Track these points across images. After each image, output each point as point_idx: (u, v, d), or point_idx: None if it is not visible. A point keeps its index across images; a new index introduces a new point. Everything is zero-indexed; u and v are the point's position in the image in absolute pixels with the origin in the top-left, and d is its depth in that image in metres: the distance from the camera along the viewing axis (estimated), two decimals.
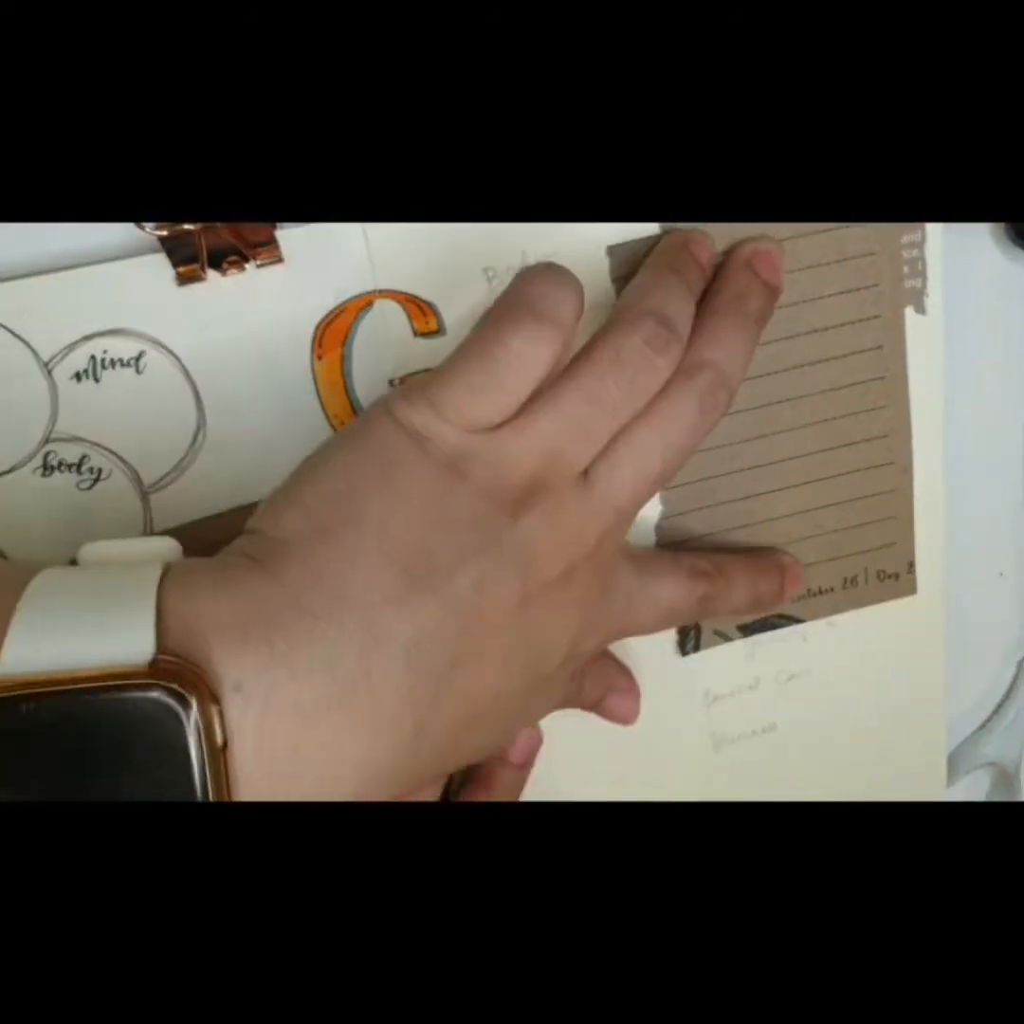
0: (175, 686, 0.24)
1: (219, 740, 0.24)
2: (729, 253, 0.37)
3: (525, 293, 0.31)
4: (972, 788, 0.45)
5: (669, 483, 0.35)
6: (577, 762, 0.42)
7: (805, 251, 0.38)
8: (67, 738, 0.23)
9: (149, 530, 0.38)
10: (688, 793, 0.42)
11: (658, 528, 0.40)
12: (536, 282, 0.31)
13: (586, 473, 0.31)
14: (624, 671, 0.40)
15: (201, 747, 0.24)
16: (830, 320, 0.39)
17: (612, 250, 0.37)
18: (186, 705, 0.24)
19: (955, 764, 0.44)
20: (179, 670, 0.24)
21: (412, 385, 0.31)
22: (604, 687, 0.39)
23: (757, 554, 0.40)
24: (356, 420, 0.32)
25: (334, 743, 0.26)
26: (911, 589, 0.42)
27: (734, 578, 0.38)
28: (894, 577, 0.41)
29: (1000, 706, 0.44)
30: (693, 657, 0.41)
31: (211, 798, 0.24)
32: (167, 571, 0.27)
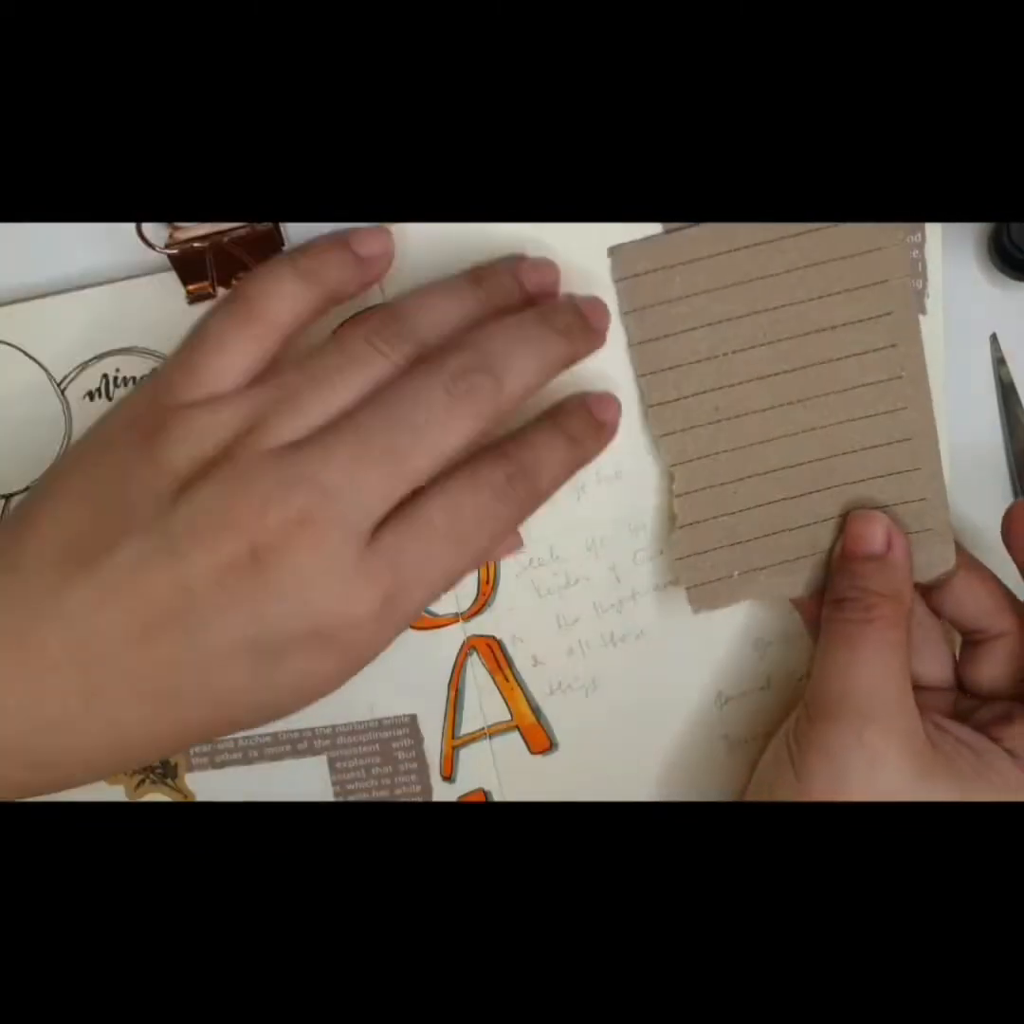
0: None
1: None
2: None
3: (242, 288, 0.32)
4: None
5: (416, 470, 0.31)
6: (590, 766, 0.42)
7: (813, 249, 0.38)
8: None
9: None
10: (702, 795, 0.42)
11: (672, 541, 0.40)
12: (256, 281, 0.32)
13: (294, 446, 0.30)
14: None
15: None
16: (838, 319, 0.38)
17: (613, 251, 0.38)
18: None
19: None
20: None
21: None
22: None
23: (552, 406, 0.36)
24: None
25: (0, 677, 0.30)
26: None
27: (533, 436, 0.34)
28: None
29: None
30: (704, 659, 0.41)
31: None
32: None
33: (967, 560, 0.39)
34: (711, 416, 0.39)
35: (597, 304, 0.36)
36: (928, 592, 0.39)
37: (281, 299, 0.32)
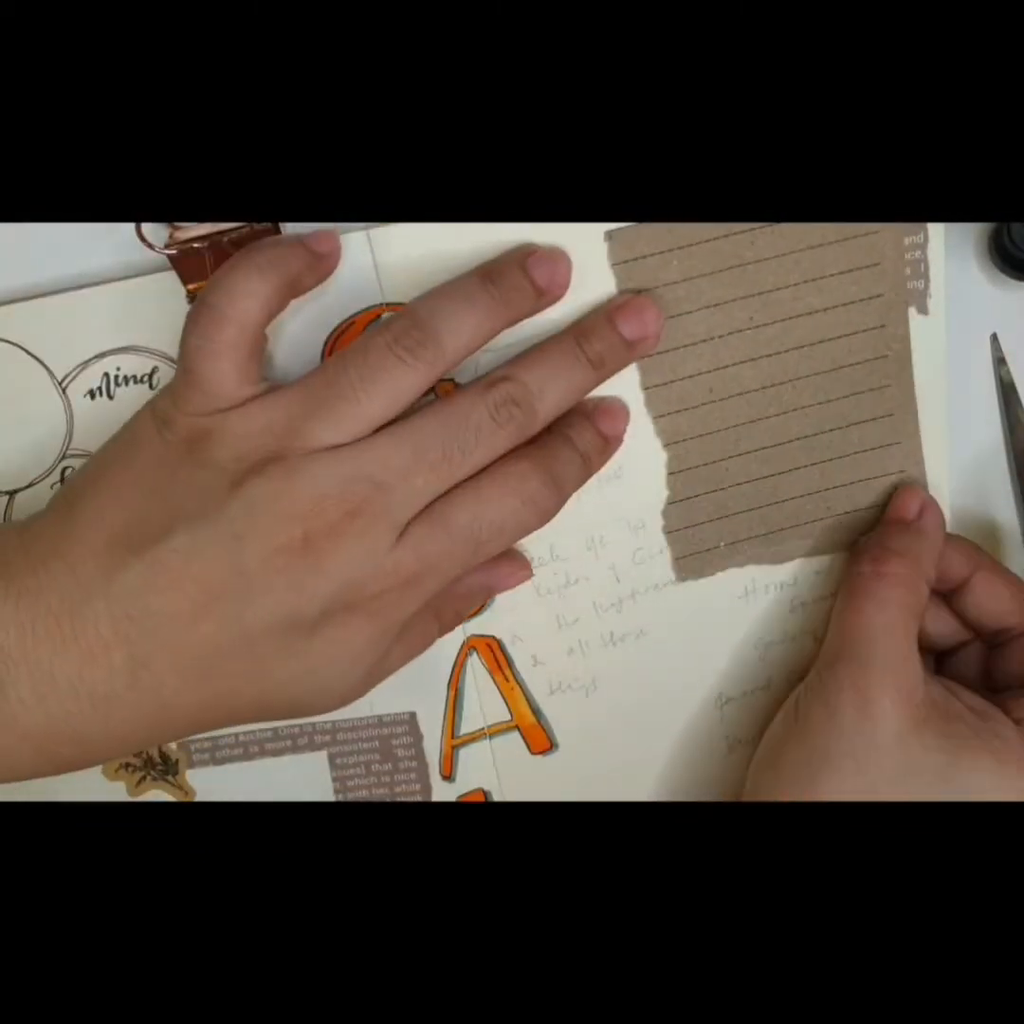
0: None
1: None
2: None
3: (207, 297, 0.34)
4: None
5: (455, 475, 0.34)
6: (589, 767, 0.42)
7: (807, 232, 0.38)
8: None
9: None
10: (704, 795, 0.42)
11: (664, 513, 0.40)
12: (220, 286, 0.34)
13: (352, 445, 0.33)
14: (494, 567, 0.39)
15: None
16: (831, 301, 0.39)
17: (611, 235, 0.38)
18: None
19: None
20: None
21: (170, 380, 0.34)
22: (476, 594, 0.40)
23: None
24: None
25: (47, 658, 0.32)
26: None
27: (554, 451, 0.36)
28: None
29: None
30: (704, 659, 0.41)
31: None
32: None
33: (987, 562, 0.40)
34: (705, 397, 0.39)
35: (640, 319, 0.37)
36: (950, 597, 0.40)
37: (244, 296, 0.33)
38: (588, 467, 0.37)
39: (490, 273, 0.36)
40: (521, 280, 0.36)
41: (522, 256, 0.36)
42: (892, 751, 0.35)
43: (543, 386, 0.35)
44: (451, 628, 0.39)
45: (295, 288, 0.35)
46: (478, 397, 0.34)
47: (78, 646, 0.32)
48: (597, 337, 0.37)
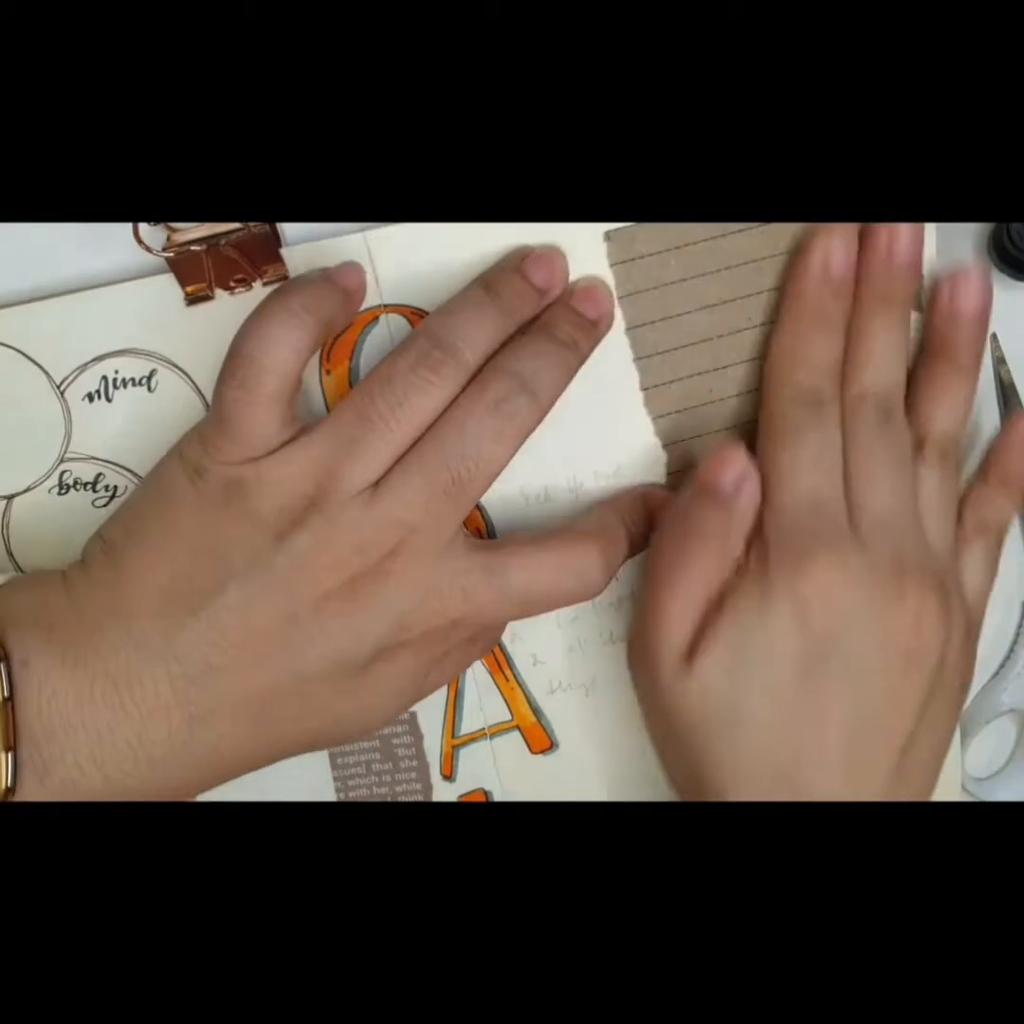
0: None
1: (3, 693, 0.31)
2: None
3: (241, 346, 0.34)
4: (998, 741, 0.45)
5: (476, 490, 0.35)
6: (589, 767, 0.42)
7: (804, 231, 0.38)
8: None
9: None
10: None
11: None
12: (254, 335, 0.33)
13: (377, 487, 0.33)
14: None
15: None
16: None
17: (610, 235, 0.38)
18: None
19: (974, 717, 0.43)
20: None
21: (197, 426, 0.34)
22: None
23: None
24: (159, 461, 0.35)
25: (105, 723, 0.32)
26: None
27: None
28: None
29: (1011, 652, 0.43)
30: None
31: None
32: (9, 579, 0.35)
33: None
34: (705, 398, 0.39)
35: (592, 292, 0.38)
36: None
37: (281, 346, 0.33)
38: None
39: (491, 282, 0.36)
40: (522, 284, 0.36)
41: (518, 260, 0.37)
42: None
43: (537, 370, 0.35)
44: (487, 653, 0.40)
45: (330, 329, 0.35)
46: (476, 401, 0.34)
47: (137, 709, 0.32)
48: (561, 318, 0.37)
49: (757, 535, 0.36)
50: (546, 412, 0.35)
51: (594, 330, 0.37)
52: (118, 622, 0.32)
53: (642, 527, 0.38)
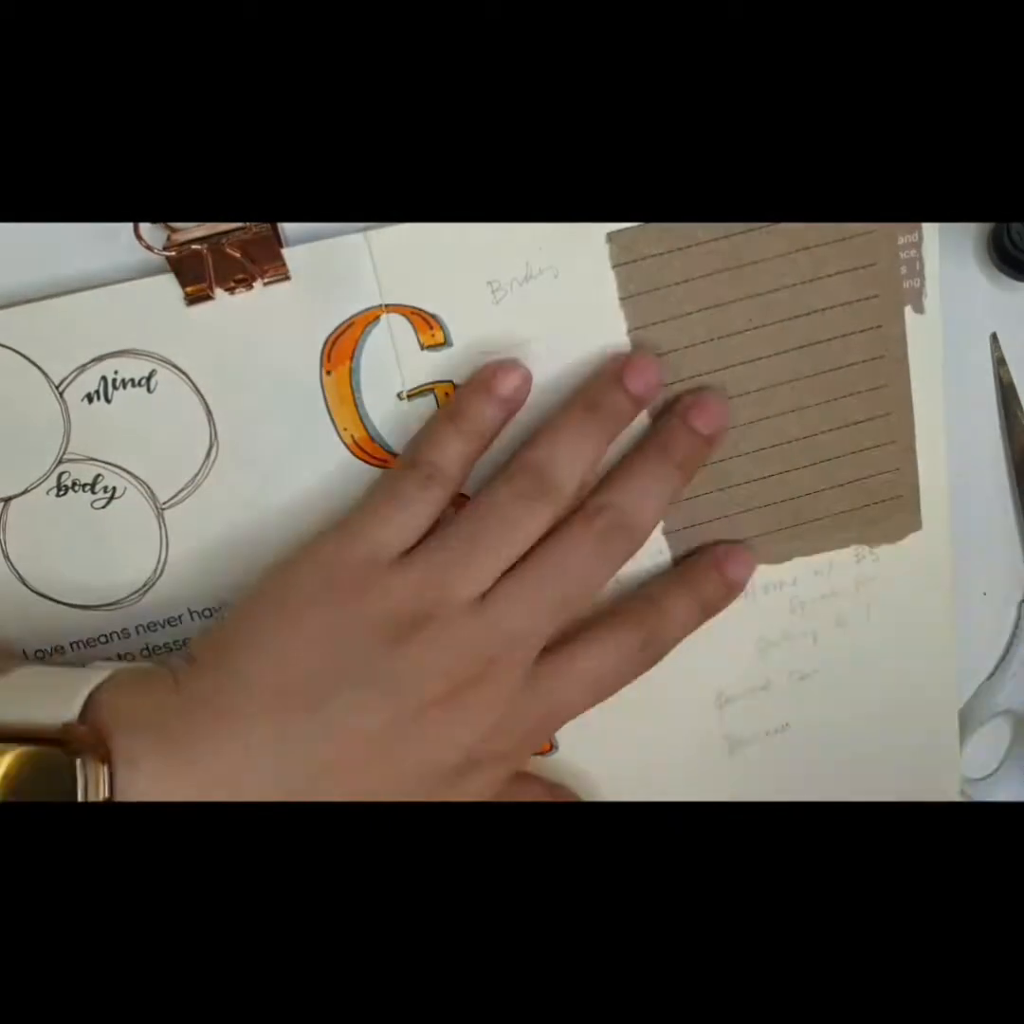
0: (74, 745, 0.31)
1: (102, 794, 0.31)
2: (672, 403, 0.39)
3: (416, 452, 0.37)
4: (993, 741, 0.45)
5: (576, 610, 0.37)
6: (589, 766, 0.42)
7: (805, 232, 0.38)
8: None
9: (165, 545, 0.38)
10: (704, 795, 0.43)
11: (667, 519, 0.40)
12: (428, 444, 0.37)
13: (483, 599, 0.35)
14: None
15: (86, 796, 0.31)
16: (829, 301, 0.39)
17: (612, 236, 0.38)
18: (79, 759, 0.31)
19: (969, 717, 0.43)
20: (81, 736, 0.32)
21: (338, 525, 0.37)
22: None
23: (685, 564, 0.41)
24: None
25: None
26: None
27: (668, 604, 0.39)
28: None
29: (1007, 652, 0.43)
30: (704, 660, 0.41)
31: None
32: (114, 673, 0.34)
33: None
34: None
35: (707, 406, 0.39)
36: None
37: (452, 453, 0.37)
38: (708, 613, 0.40)
39: (592, 401, 0.38)
40: (620, 397, 0.38)
41: (616, 371, 0.38)
42: None
43: (643, 504, 0.37)
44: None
45: (490, 438, 0.38)
46: (582, 530, 0.37)
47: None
48: (678, 440, 0.38)
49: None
50: (648, 537, 0.38)
51: (707, 448, 0.39)
52: (228, 727, 0.33)
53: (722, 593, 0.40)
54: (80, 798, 0.31)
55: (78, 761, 0.31)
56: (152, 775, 0.32)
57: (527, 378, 0.38)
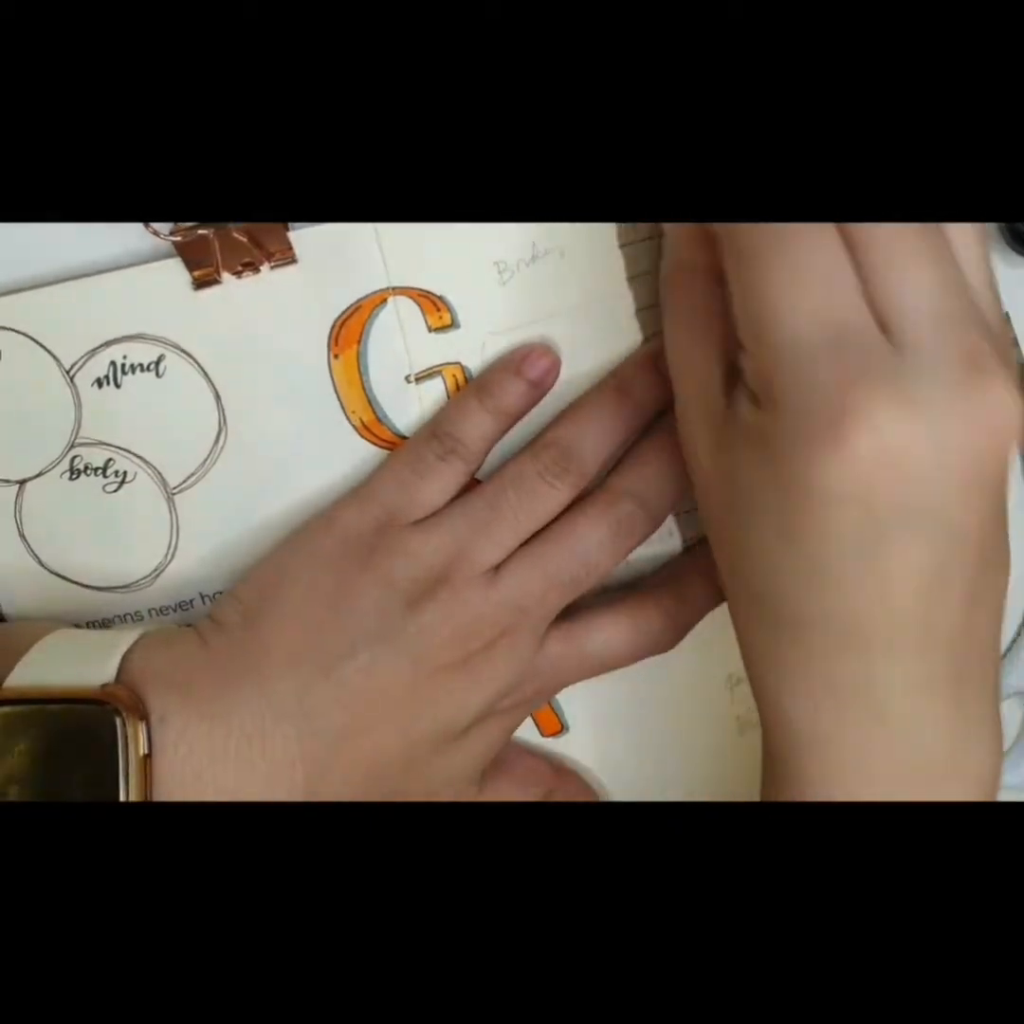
0: (113, 705, 0.32)
1: (142, 750, 0.32)
2: None
3: (442, 423, 0.38)
4: (1006, 724, 0.44)
5: (585, 589, 0.38)
6: (600, 747, 0.42)
7: None
8: (38, 736, 0.32)
9: (175, 529, 0.39)
10: (714, 776, 0.43)
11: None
12: (454, 416, 0.38)
13: (498, 570, 0.36)
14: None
15: (127, 752, 0.32)
16: None
17: (621, 228, 0.38)
18: (119, 717, 0.32)
19: None
20: (120, 694, 0.33)
21: (355, 490, 0.38)
22: None
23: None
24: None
25: (234, 779, 0.33)
26: None
27: (686, 585, 0.39)
28: None
29: (1019, 633, 0.43)
30: (717, 640, 0.41)
31: (132, 797, 0.32)
32: (143, 636, 0.35)
33: None
34: None
35: None
36: None
37: (474, 429, 0.37)
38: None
39: (624, 384, 0.38)
40: (654, 378, 0.38)
41: (649, 355, 0.38)
42: None
43: (662, 490, 0.38)
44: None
45: (516, 417, 0.38)
46: (601, 513, 0.37)
47: (265, 766, 0.34)
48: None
49: (754, 380, 0.30)
50: (661, 522, 0.39)
51: None
52: (253, 682, 0.34)
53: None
54: (120, 755, 0.32)
55: (118, 720, 0.32)
56: (181, 730, 0.33)
57: (556, 363, 0.38)
